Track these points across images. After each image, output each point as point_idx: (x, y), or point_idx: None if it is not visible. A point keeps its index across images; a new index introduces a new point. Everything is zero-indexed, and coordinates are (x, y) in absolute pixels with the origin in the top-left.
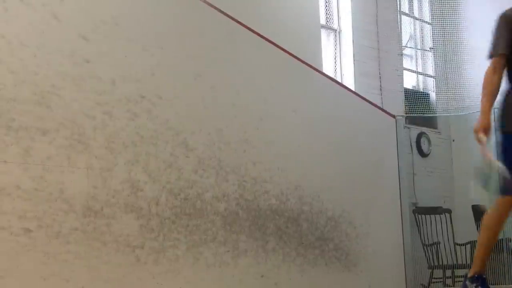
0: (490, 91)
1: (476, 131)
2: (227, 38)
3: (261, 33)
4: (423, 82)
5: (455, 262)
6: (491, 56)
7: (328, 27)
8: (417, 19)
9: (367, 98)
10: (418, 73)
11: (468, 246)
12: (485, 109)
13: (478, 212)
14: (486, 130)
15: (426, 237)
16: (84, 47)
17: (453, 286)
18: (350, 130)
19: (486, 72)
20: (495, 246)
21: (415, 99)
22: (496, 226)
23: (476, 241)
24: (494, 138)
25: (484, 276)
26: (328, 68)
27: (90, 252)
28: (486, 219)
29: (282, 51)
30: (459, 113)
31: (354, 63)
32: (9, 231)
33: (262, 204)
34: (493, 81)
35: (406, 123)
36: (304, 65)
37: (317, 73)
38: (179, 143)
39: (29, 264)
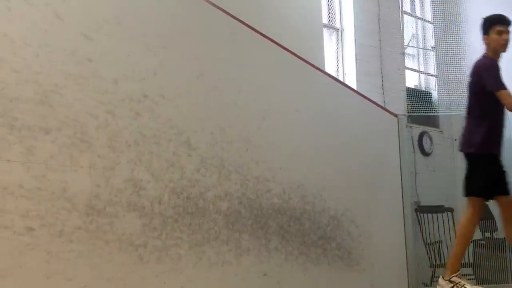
0: None
1: None
2: (229, 38)
3: (263, 33)
4: (425, 81)
5: None
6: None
7: (330, 27)
8: (419, 18)
9: (369, 97)
10: (420, 72)
11: (471, 245)
12: None
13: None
14: None
15: (428, 236)
16: (87, 46)
17: None
18: (352, 129)
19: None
20: (496, 245)
21: (417, 98)
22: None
23: (479, 240)
24: None
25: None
26: (330, 67)
27: (93, 251)
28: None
29: (284, 51)
30: (461, 112)
31: (356, 62)
32: (12, 230)
33: (265, 203)
34: None
35: (408, 122)
36: (306, 64)
37: (319, 72)
38: (182, 142)
39: (32, 263)
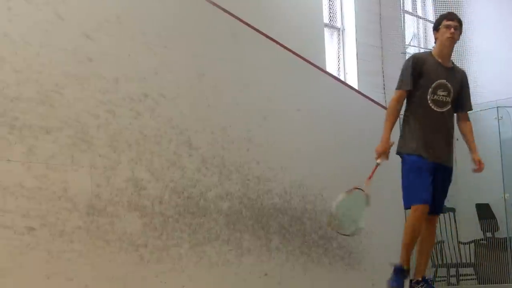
0: (394, 117)
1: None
2: (230, 37)
3: (264, 32)
4: None
5: (459, 260)
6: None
7: (331, 26)
8: (420, 17)
9: (370, 96)
10: None
11: (472, 244)
12: (386, 135)
13: (482, 211)
14: (384, 154)
15: None
16: (88, 46)
17: (457, 285)
18: (353, 129)
19: (392, 101)
20: (498, 244)
21: None
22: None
23: (480, 240)
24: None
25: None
26: (331, 67)
27: (94, 250)
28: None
29: (285, 50)
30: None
31: (357, 62)
32: (13, 229)
33: (266, 202)
34: (397, 109)
35: None
36: (307, 63)
37: (320, 71)
38: (183, 142)
39: (32, 263)
